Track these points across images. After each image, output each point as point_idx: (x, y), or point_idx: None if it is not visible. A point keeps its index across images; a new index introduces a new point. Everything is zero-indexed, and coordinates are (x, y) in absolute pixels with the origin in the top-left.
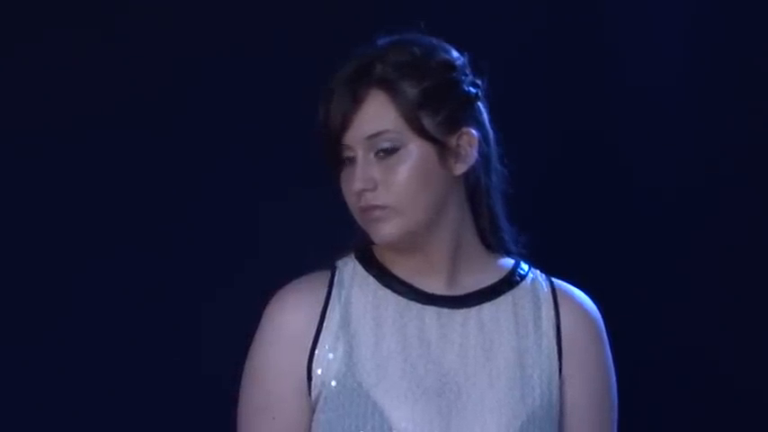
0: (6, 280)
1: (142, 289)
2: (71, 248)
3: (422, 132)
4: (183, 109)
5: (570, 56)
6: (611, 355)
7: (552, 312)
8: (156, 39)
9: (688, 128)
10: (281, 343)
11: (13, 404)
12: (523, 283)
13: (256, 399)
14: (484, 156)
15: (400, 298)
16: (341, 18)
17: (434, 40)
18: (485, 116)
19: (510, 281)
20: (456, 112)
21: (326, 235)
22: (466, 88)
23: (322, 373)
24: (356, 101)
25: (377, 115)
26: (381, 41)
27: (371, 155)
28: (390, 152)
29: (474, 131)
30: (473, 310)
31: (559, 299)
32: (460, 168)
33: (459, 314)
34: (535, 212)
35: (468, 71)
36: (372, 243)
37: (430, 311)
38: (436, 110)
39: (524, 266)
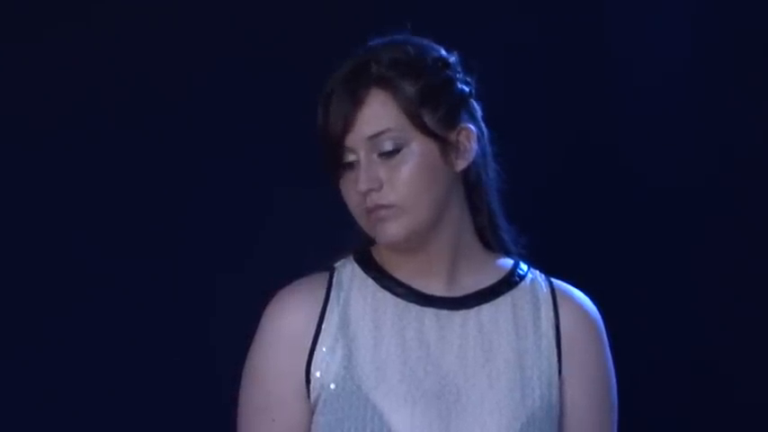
0: (6, 281)
1: (141, 290)
2: (70, 249)
3: (424, 129)
4: (183, 110)
5: (570, 56)
6: (611, 355)
7: (551, 313)
8: (155, 39)
9: (688, 128)
10: (281, 344)
11: (13, 404)
12: (523, 283)
13: (256, 400)
14: (481, 153)
15: (399, 300)
16: (341, 19)
17: (424, 41)
18: (479, 114)
19: (509, 281)
20: (454, 109)
21: (325, 236)
22: (460, 86)
23: (321, 375)
24: (356, 102)
25: (378, 114)
26: (374, 42)
27: (374, 155)
28: (393, 152)
29: (472, 127)
30: (472, 312)
31: (559, 299)
32: (461, 164)
33: (459, 315)
34: (535, 212)
35: (459, 69)
36: (371, 245)
37: (429, 313)
38: (435, 106)
39: (523, 267)
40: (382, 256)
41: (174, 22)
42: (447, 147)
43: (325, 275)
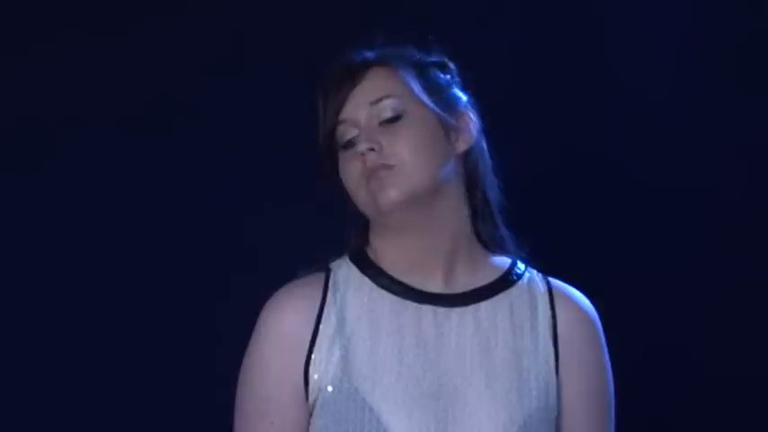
0: (5, 281)
1: (139, 290)
2: (69, 250)
3: (424, 101)
4: (183, 112)
5: (570, 57)
6: (608, 354)
7: (549, 312)
8: (154, 42)
9: (688, 128)
10: (278, 346)
11: (13, 404)
12: (520, 282)
13: (253, 403)
14: (480, 150)
15: (396, 298)
16: (339, 24)
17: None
18: (478, 118)
19: (506, 280)
20: (453, 96)
21: (321, 237)
22: (458, 90)
23: (319, 377)
24: (355, 78)
25: (379, 84)
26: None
27: (375, 122)
28: (394, 119)
29: (472, 115)
30: (469, 309)
31: (556, 298)
32: (462, 146)
33: (456, 313)
34: (533, 212)
35: (457, 77)
36: (366, 244)
37: (426, 310)
38: (435, 90)
39: (521, 266)
40: (378, 254)
41: (171, 26)
42: (447, 125)
43: (321, 276)
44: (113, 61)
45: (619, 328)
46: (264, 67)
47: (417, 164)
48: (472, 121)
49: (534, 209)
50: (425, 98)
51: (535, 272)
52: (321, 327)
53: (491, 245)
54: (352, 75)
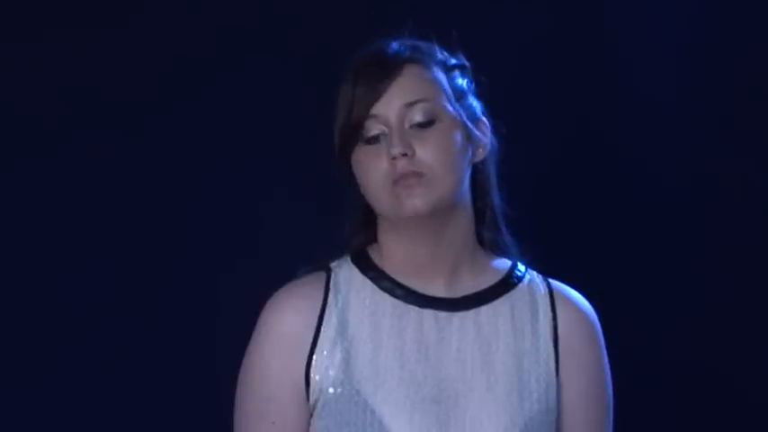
0: (5, 281)
1: (137, 291)
2: (66, 251)
3: (454, 108)
4: (181, 112)
5: (570, 56)
6: (608, 356)
7: (549, 314)
8: (150, 40)
9: (688, 128)
10: (279, 347)
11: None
12: (521, 285)
13: (253, 403)
14: (493, 156)
15: (398, 301)
16: (340, 23)
17: None
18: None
19: (507, 283)
20: (473, 105)
21: (321, 237)
22: (474, 93)
23: (320, 378)
24: (391, 73)
25: (415, 84)
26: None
27: (406, 125)
28: (426, 124)
29: (487, 122)
30: (470, 314)
31: (556, 300)
32: (480, 154)
33: (457, 317)
34: (534, 213)
35: (474, 81)
36: (367, 244)
37: (428, 314)
38: (462, 94)
39: (521, 268)
40: (383, 254)
41: (168, 25)
42: (471, 134)
43: (322, 276)
44: (111, 60)
45: (619, 330)
46: (265, 65)
47: (445, 174)
48: (488, 128)
49: (534, 209)
50: (456, 106)
51: (535, 273)
52: (323, 328)
53: (493, 248)
54: (387, 70)
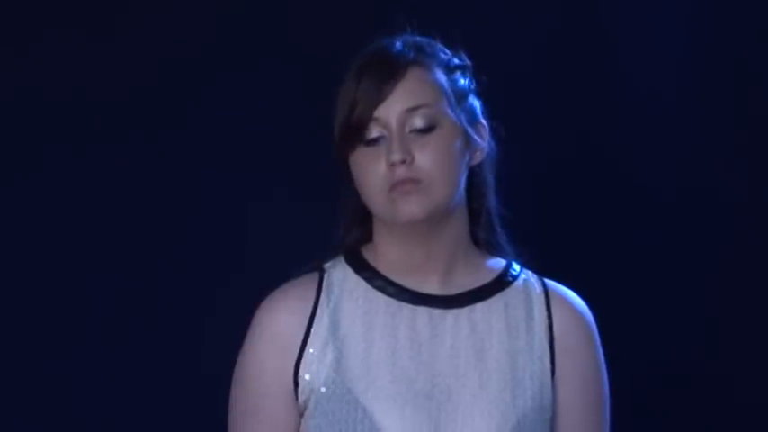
0: (4, 281)
1: (133, 294)
2: (64, 253)
3: (455, 113)
4: (175, 114)
5: (570, 56)
6: (604, 355)
7: (545, 313)
8: (150, 40)
9: (688, 128)
10: (270, 345)
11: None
12: (515, 283)
13: (245, 401)
14: (490, 158)
15: (391, 300)
16: (340, 23)
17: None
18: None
19: (501, 281)
20: (473, 107)
21: (316, 238)
22: (474, 93)
23: (311, 378)
24: (395, 75)
25: (417, 90)
26: (399, 37)
27: (406, 129)
28: (426, 130)
29: (486, 124)
30: (464, 311)
31: (552, 299)
32: (478, 158)
33: (451, 314)
34: (534, 213)
35: (474, 81)
36: (361, 244)
37: (421, 312)
38: (463, 97)
39: (516, 267)
40: (378, 253)
41: (165, 24)
42: (469, 138)
43: (315, 277)
44: (111, 60)
45: (616, 330)
46: (261, 67)
47: (442, 181)
48: (486, 131)
49: (533, 209)
50: (456, 110)
51: (530, 273)
52: (314, 327)
53: (488, 248)
54: (391, 72)
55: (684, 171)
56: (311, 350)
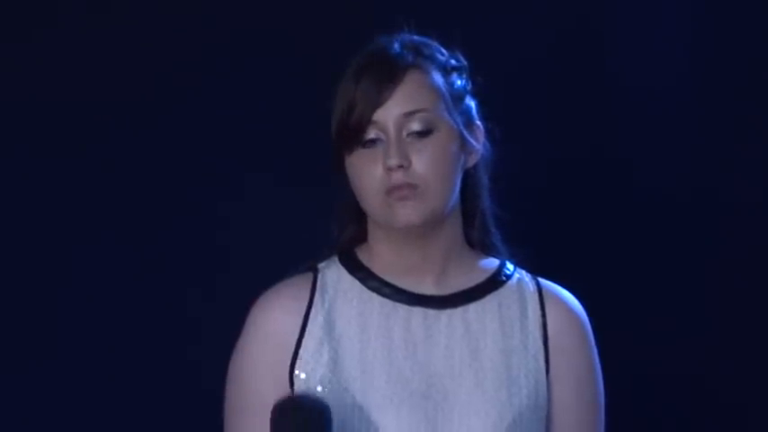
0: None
1: (126, 291)
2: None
3: (452, 117)
4: (175, 113)
5: (570, 57)
6: (599, 355)
7: (539, 312)
8: (150, 40)
9: (688, 129)
10: (264, 345)
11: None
12: (509, 283)
13: (239, 400)
14: (485, 160)
15: (386, 300)
16: (340, 23)
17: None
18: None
19: (495, 281)
20: (469, 109)
21: (310, 237)
22: (471, 94)
23: (306, 377)
24: (394, 78)
25: (415, 93)
26: (398, 36)
27: (404, 133)
28: (424, 133)
29: (482, 126)
30: (458, 311)
31: (545, 299)
32: (472, 160)
33: (445, 314)
34: (533, 213)
35: (471, 82)
36: (355, 244)
37: (416, 312)
38: (460, 100)
39: (510, 266)
40: (373, 254)
41: (161, 24)
42: (465, 141)
43: (309, 277)
44: (111, 60)
45: (614, 331)
46: (261, 67)
47: (438, 186)
48: (482, 132)
49: (532, 210)
50: (453, 113)
51: (524, 272)
52: (308, 327)
53: (482, 248)
54: (389, 75)
55: (684, 171)
56: (306, 349)
